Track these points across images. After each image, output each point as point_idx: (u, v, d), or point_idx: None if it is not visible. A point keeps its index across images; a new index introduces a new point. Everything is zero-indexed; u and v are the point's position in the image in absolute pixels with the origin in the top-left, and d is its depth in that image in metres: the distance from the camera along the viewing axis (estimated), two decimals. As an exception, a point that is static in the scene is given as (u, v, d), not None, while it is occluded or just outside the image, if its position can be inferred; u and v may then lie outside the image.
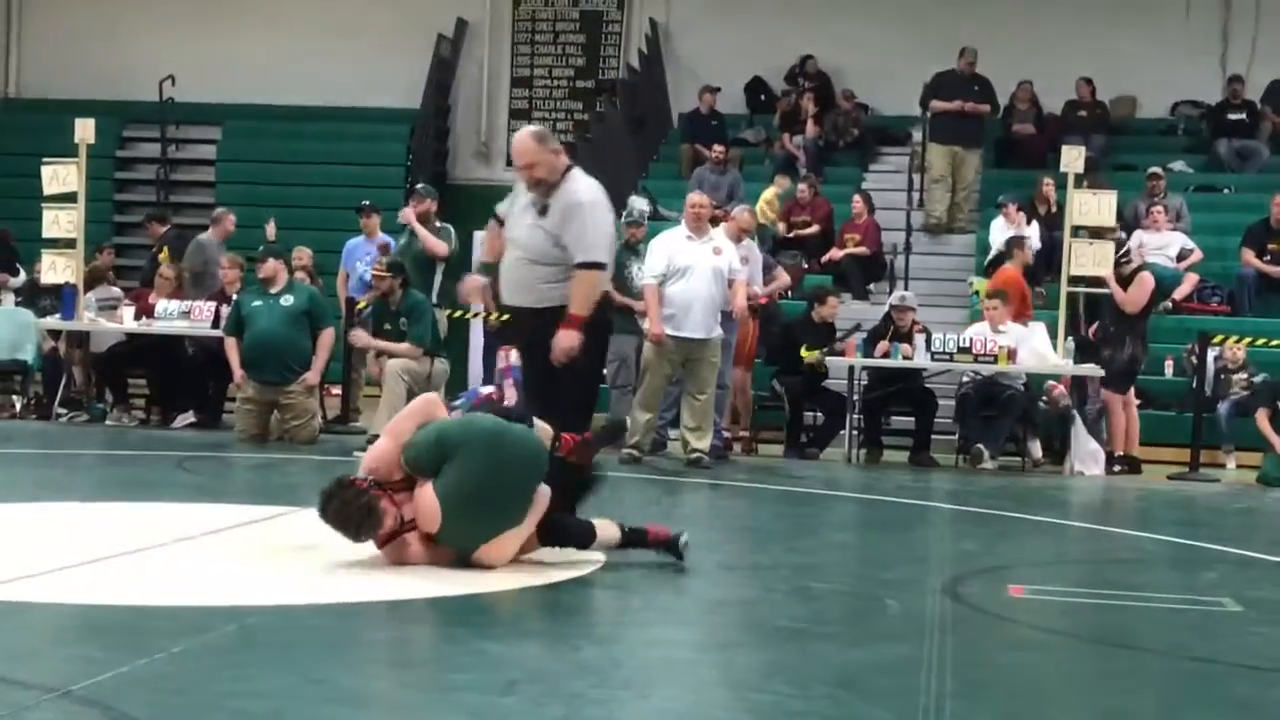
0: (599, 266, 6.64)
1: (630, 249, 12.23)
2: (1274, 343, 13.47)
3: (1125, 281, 12.29)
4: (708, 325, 11.07)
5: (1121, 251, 12.82)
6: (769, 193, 16.42)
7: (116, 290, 14.12)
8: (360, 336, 11.95)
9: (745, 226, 12.03)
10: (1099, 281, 12.57)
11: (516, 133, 6.22)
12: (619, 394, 12.09)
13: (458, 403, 6.39)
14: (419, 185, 13.75)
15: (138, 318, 12.63)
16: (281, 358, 11.49)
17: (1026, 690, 4.59)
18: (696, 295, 11.03)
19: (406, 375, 11.09)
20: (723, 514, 8.97)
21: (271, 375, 11.47)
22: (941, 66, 17.69)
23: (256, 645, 4.69)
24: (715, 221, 12.32)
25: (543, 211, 6.67)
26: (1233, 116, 17.98)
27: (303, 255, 13.97)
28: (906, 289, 14.41)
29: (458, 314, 12.80)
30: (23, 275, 15.09)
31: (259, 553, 6.08)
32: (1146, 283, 12.42)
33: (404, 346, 11.33)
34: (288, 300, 11.63)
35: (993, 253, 15.33)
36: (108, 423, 12.32)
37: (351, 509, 5.78)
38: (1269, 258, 15.21)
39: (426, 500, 5.84)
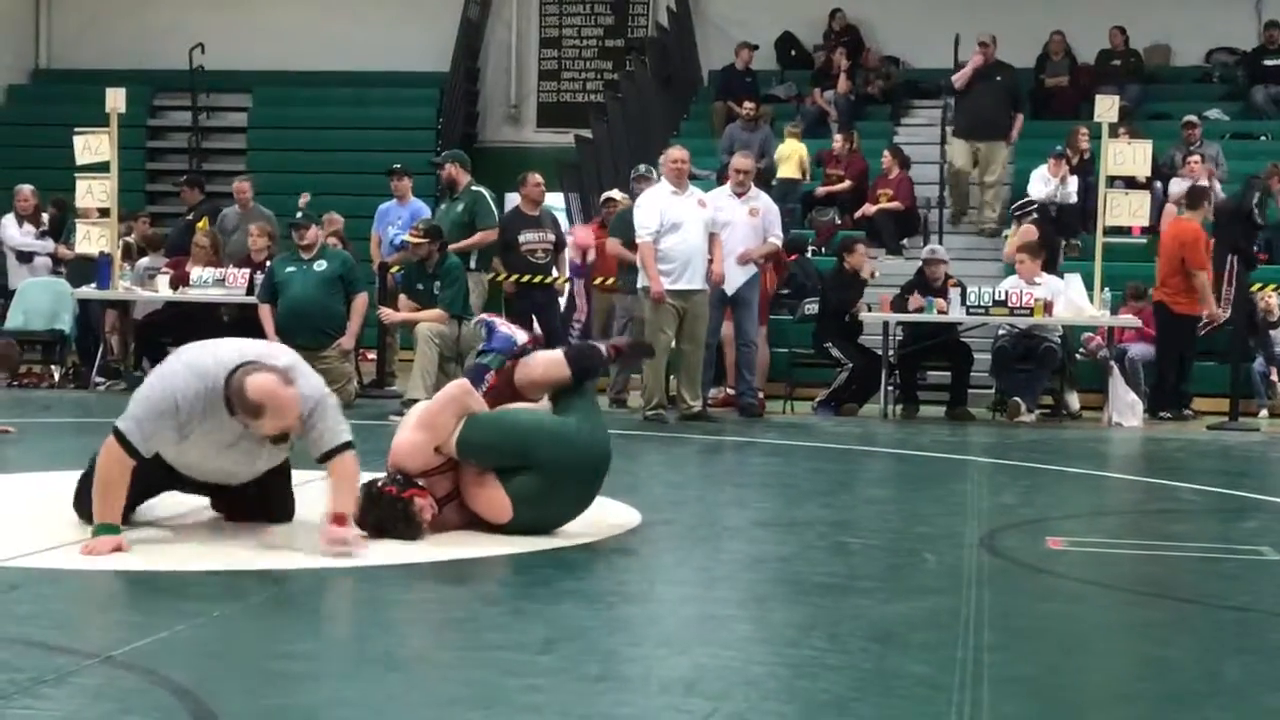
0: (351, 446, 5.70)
1: None
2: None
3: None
4: (702, 277, 11.13)
5: (1022, 202, 13.05)
6: (800, 148, 16.36)
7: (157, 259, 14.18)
8: (389, 314, 11.89)
9: (742, 168, 11.90)
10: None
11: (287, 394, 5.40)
12: None
13: (490, 350, 6.24)
14: (443, 154, 13.47)
15: (174, 286, 12.67)
16: (316, 323, 11.51)
17: (1065, 642, 4.58)
18: (694, 249, 11.12)
19: (438, 339, 11.08)
20: (757, 471, 8.96)
21: (306, 340, 11.45)
22: (973, 18, 17.52)
23: (294, 608, 4.72)
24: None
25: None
26: (1268, 63, 17.79)
27: (335, 221, 13.99)
28: (940, 243, 14.34)
29: (499, 277, 12.73)
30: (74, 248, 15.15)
31: (296, 517, 6.10)
32: (1028, 234, 12.63)
33: (433, 313, 11.24)
34: (321, 265, 11.65)
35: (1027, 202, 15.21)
36: (145, 391, 12.35)
37: (391, 521, 5.70)
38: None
39: (498, 502, 5.83)
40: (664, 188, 11.46)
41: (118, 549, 5.30)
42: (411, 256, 11.73)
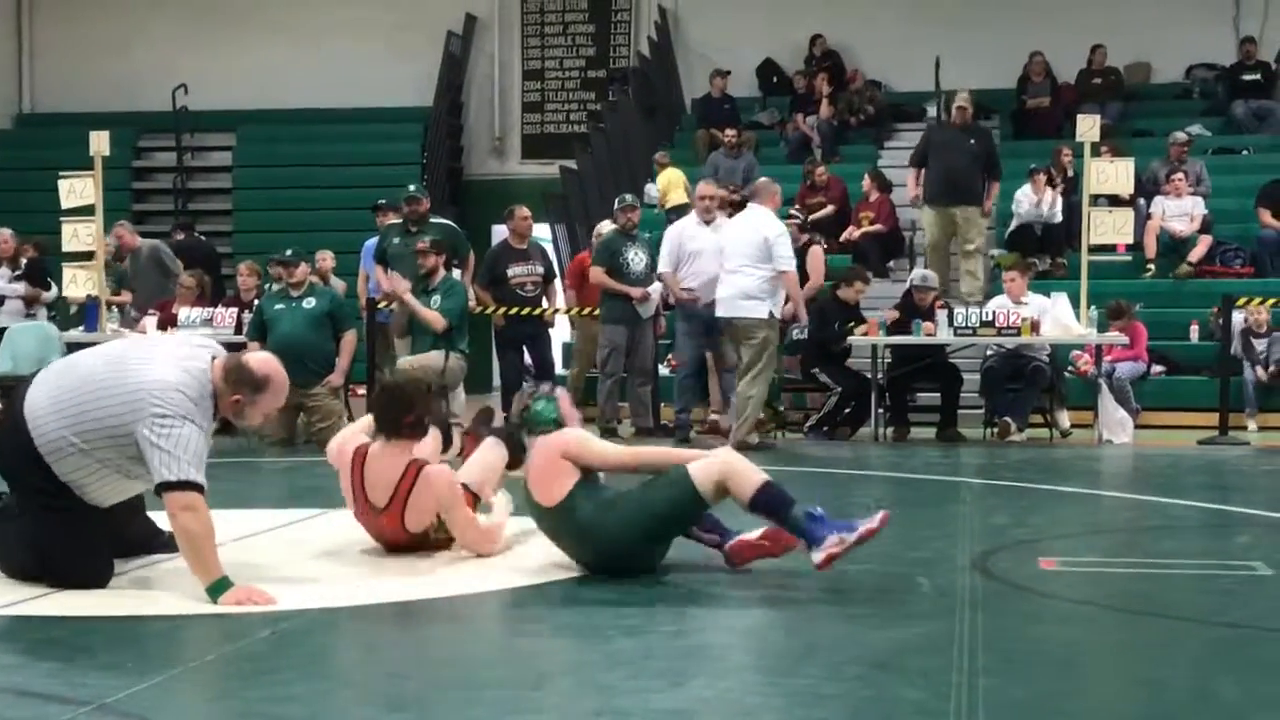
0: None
1: (625, 235, 12.35)
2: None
3: (801, 255, 12.29)
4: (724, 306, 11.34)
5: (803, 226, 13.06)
6: (677, 174, 16.53)
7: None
8: (398, 282, 11.85)
9: (706, 195, 12.12)
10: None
11: None
12: (609, 382, 12.19)
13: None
14: (410, 187, 13.45)
15: (161, 327, 12.67)
16: (305, 360, 11.50)
17: (1059, 663, 4.58)
18: (711, 279, 11.44)
19: (420, 372, 11.06)
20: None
21: (296, 378, 11.35)
22: (953, 40, 17.64)
23: (290, 650, 4.71)
24: (740, 205, 12.54)
25: None
26: (1248, 77, 17.91)
27: (325, 258, 14.01)
28: (926, 266, 14.37)
29: (489, 311, 12.78)
30: (55, 290, 15.15)
31: (290, 558, 6.10)
32: (816, 256, 12.77)
33: (432, 314, 11.38)
34: (310, 303, 11.67)
35: (1014, 224, 15.30)
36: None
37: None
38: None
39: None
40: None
41: (254, 597, 5.18)
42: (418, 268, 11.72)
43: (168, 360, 5.39)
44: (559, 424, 5.99)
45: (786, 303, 11.26)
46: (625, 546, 5.71)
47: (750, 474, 5.61)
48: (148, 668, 4.40)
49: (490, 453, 6.59)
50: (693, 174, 16.91)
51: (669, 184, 16.54)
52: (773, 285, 11.10)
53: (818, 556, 5.48)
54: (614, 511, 5.70)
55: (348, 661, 4.54)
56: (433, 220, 12.57)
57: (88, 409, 5.29)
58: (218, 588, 5.20)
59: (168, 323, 12.68)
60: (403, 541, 6.23)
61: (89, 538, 5.42)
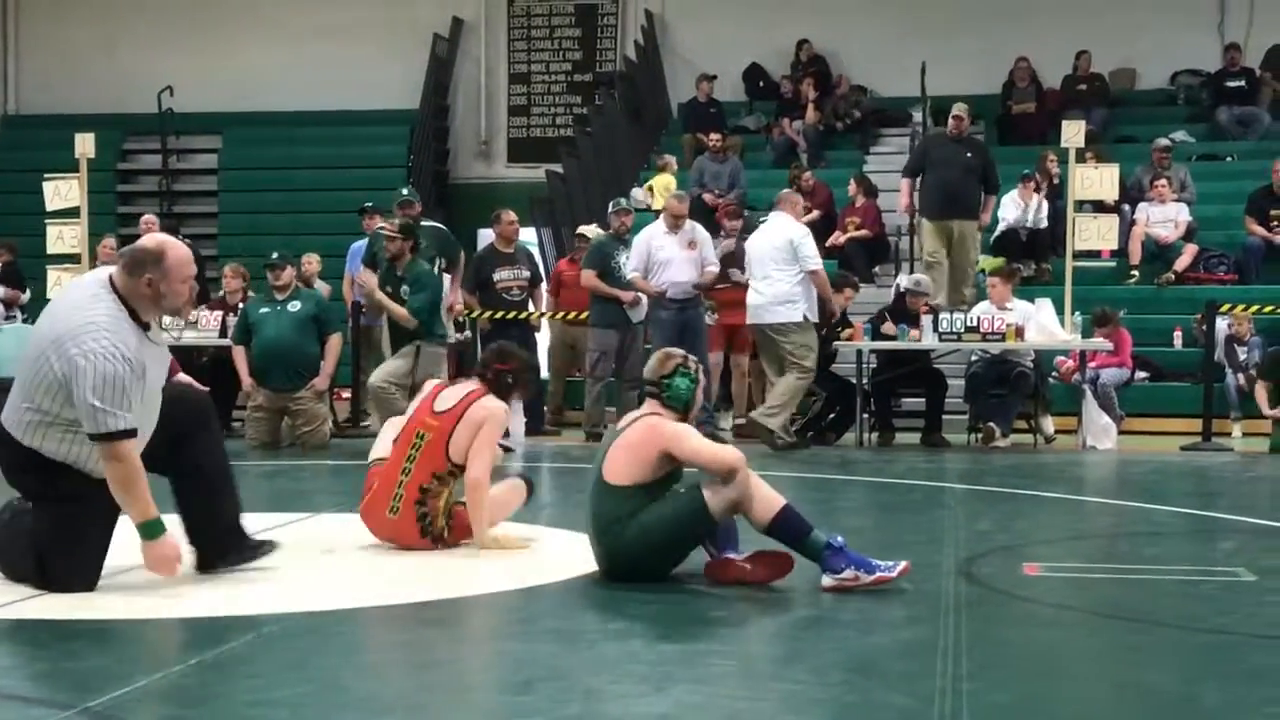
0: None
1: (618, 239, 12.41)
2: (1282, 310, 13.48)
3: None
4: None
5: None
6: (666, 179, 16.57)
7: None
8: (367, 277, 11.70)
9: (677, 214, 12.14)
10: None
11: None
12: (598, 386, 12.22)
13: None
14: (403, 190, 13.40)
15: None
16: (290, 364, 11.51)
17: (1043, 669, 4.59)
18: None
19: (390, 382, 10.88)
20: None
21: (281, 382, 11.49)
22: (939, 46, 17.66)
23: (274, 654, 4.70)
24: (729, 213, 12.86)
25: None
26: (1232, 84, 17.97)
27: (311, 261, 13.99)
28: (912, 270, 14.40)
29: (475, 315, 12.79)
30: (29, 292, 15.15)
31: (274, 561, 6.08)
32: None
33: (401, 311, 11.07)
34: (295, 306, 11.65)
35: (999, 229, 15.32)
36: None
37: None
38: (1276, 224, 15.19)
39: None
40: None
41: (174, 554, 5.37)
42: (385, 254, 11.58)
43: (73, 294, 5.50)
44: (687, 409, 5.94)
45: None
46: (635, 556, 5.68)
47: (768, 500, 5.61)
48: (130, 671, 4.39)
49: (511, 494, 6.77)
50: (680, 177, 16.93)
51: (661, 187, 16.52)
52: (804, 289, 11.39)
53: (827, 581, 5.52)
54: (634, 520, 5.67)
55: (331, 665, 4.53)
56: (424, 224, 12.53)
57: (33, 379, 5.38)
58: (149, 528, 5.34)
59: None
60: (415, 504, 6.45)
61: (84, 537, 5.42)
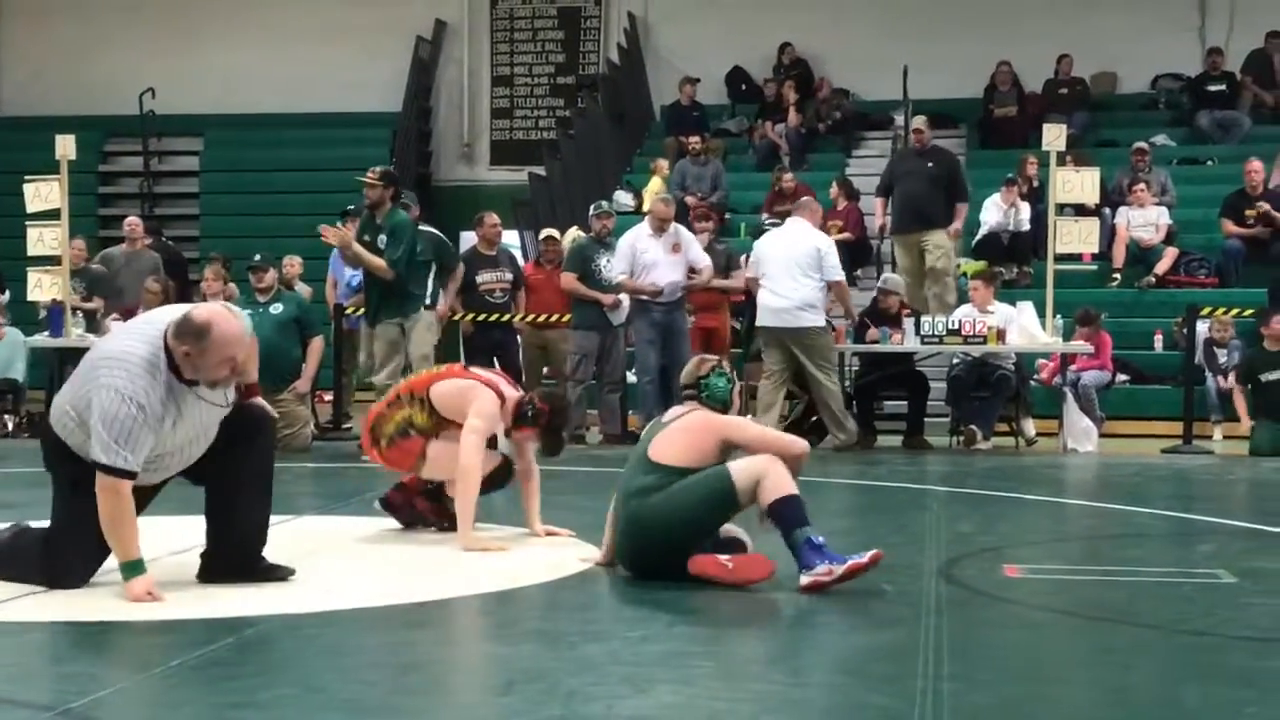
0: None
1: (599, 241, 12.42)
2: (1262, 313, 13.51)
3: None
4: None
5: None
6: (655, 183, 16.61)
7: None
8: (332, 232, 11.52)
9: (663, 217, 12.14)
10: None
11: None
12: (578, 389, 12.22)
13: None
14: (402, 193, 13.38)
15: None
16: (272, 366, 11.42)
17: (1024, 670, 4.60)
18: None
19: (389, 347, 11.07)
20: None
21: (262, 384, 11.42)
22: (921, 49, 17.69)
23: (255, 656, 4.69)
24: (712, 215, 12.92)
25: None
26: (1213, 88, 18.05)
27: (293, 264, 13.95)
28: (893, 273, 14.43)
29: (457, 317, 12.75)
30: (8, 294, 15.10)
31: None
32: None
33: (378, 262, 11.06)
34: (277, 309, 11.62)
35: (981, 233, 15.36)
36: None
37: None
38: (1252, 222, 15.26)
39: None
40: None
41: (150, 593, 5.28)
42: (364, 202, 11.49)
43: (128, 330, 5.60)
44: (726, 406, 6.02)
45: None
46: (652, 527, 5.72)
47: (784, 482, 5.64)
48: (112, 673, 4.37)
49: (487, 461, 6.73)
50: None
51: (652, 192, 16.53)
52: (824, 295, 11.63)
53: (804, 580, 5.54)
54: (663, 491, 5.72)
55: (312, 667, 4.52)
56: (422, 229, 12.47)
57: (78, 385, 5.45)
58: (130, 568, 5.34)
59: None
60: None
61: (95, 534, 5.39)
